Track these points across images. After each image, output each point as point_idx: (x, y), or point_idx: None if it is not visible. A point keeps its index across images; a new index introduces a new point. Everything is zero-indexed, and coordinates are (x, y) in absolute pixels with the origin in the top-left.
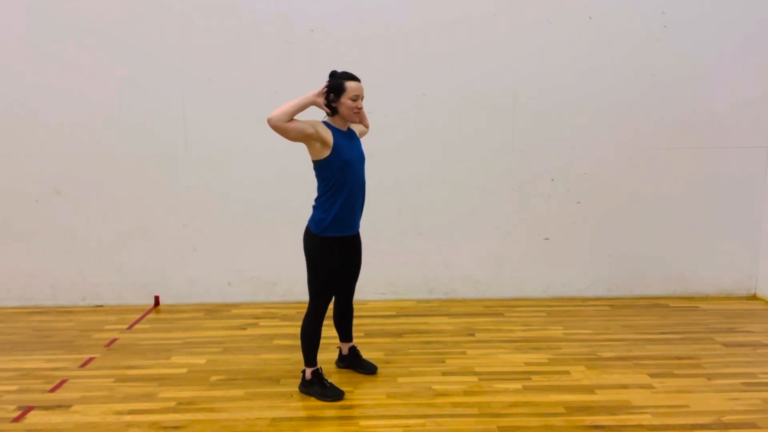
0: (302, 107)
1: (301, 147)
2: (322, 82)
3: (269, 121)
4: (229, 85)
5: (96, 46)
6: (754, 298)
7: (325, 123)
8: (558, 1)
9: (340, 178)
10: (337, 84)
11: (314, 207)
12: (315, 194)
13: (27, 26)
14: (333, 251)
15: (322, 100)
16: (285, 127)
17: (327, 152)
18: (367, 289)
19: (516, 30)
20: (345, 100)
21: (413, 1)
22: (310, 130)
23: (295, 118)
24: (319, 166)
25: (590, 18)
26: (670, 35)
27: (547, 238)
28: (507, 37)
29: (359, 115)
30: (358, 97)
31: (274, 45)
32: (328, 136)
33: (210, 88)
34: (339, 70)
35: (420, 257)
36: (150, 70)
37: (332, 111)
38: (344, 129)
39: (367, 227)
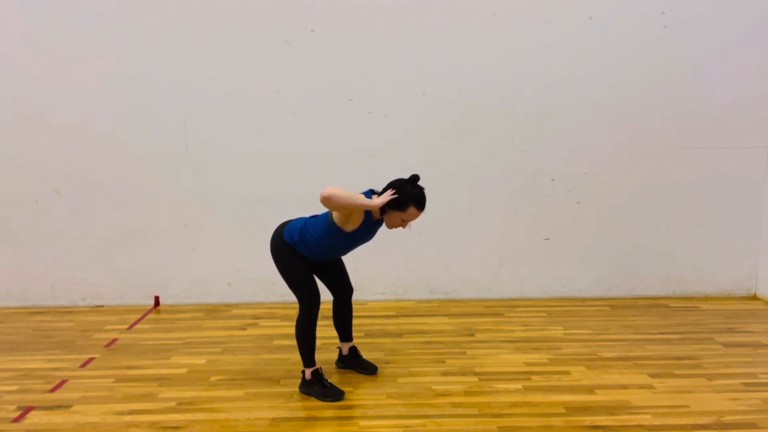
0: (359, 210)
1: (302, 150)
2: (324, 82)
3: (325, 200)
4: (229, 85)
5: (96, 45)
6: (754, 298)
7: (365, 196)
8: (558, 2)
9: (338, 243)
10: (404, 202)
11: (301, 226)
12: (315, 194)
13: (27, 26)
14: (301, 257)
15: (380, 210)
16: (333, 208)
17: (346, 229)
18: (367, 289)
19: (516, 30)
20: (396, 215)
21: (413, 2)
22: (347, 212)
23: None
24: (330, 223)
25: (590, 18)
26: (670, 35)
27: (547, 238)
28: (507, 37)
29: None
30: (407, 223)
31: (274, 45)
32: (357, 223)
33: (210, 88)
34: (418, 174)
35: (420, 257)
36: (150, 70)
37: (381, 210)
38: (376, 218)
39: None
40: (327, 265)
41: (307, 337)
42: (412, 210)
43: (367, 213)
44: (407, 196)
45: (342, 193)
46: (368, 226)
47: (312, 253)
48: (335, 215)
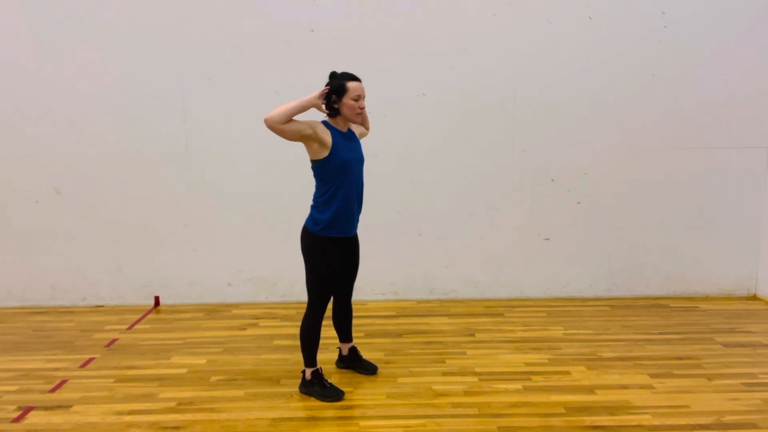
0: (302, 109)
1: (303, 146)
2: (323, 82)
3: (266, 122)
4: (229, 85)
5: (96, 45)
6: (754, 298)
7: (324, 123)
8: (558, 1)
9: (338, 179)
10: (339, 84)
11: (312, 207)
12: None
13: (27, 26)
14: (331, 251)
15: (322, 102)
16: (281, 129)
17: (325, 153)
18: (367, 289)
19: (516, 30)
20: (347, 101)
21: (413, 1)
22: (308, 131)
23: (294, 119)
24: (317, 167)
25: (590, 18)
26: (670, 35)
27: (547, 238)
28: (507, 37)
29: (361, 116)
30: (360, 97)
31: (274, 45)
32: (327, 137)
33: (210, 88)
34: (339, 70)
35: (420, 257)
36: (150, 70)
37: (333, 112)
38: (344, 130)
39: (368, 227)
40: (346, 265)
41: (312, 337)
42: (351, 84)
43: (330, 127)
44: (337, 78)
45: (279, 108)
46: (341, 137)
47: (334, 221)
48: (310, 152)
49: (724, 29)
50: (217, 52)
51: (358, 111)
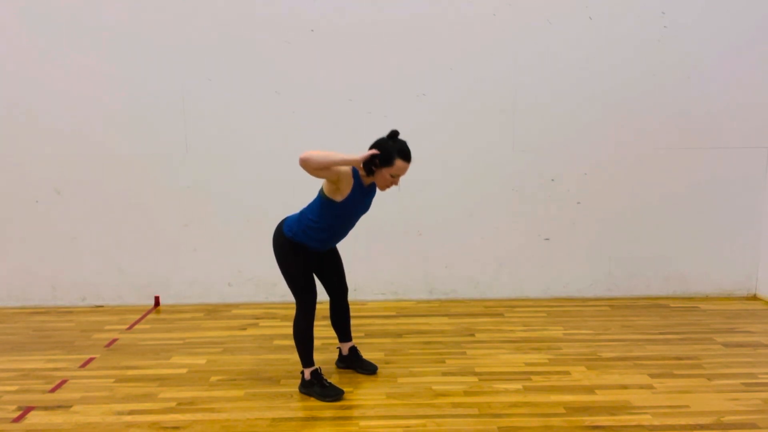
0: (341, 165)
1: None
2: (324, 81)
3: (301, 161)
4: (229, 85)
5: (96, 45)
6: (754, 298)
7: (354, 170)
8: (558, 2)
9: (336, 221)
10: (388, 156)
11: (298, 218)
12: (313, 196)
13: (27, 26)
14: (304, 254)
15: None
16: (312, 171)
17: (337, 198)
18: (367, 289)
19: (516, 30)
20: (385, 173)
21: (413, 2)
22: (334, 178)
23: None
24: (324, 199)
25: (590, 18)
26: (670, 35)
27: (547, 238)
28: (507, 37)
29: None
30: (398, 177)
31: (274, 45)
32: (347, 189)
33: (210, 88)
34: (397, 129)
35: (420, 257)
36: (150, 70)
37: (368, 171)
38: (366, 184)
39: (368, 227)
40: (327, 264)
41: (304, 337)
42: (399, 163)
43: (357, 178)
44: (391, 150)
45: (319, 153)
46: (360, 191)
47: (312, 239)
48: (325, 187)
49: (724, 29)
50: (217, 52)
51: (389, 186)
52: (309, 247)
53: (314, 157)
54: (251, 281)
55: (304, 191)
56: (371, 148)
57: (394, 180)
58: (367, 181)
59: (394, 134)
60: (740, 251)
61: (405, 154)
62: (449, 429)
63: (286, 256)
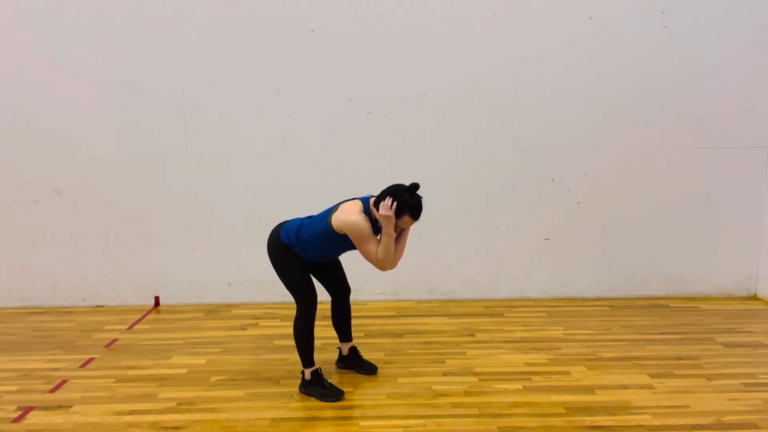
0: (392, 237)
1: (303, 150)
2: (324, 81)
3: (389, 269)
4: (229, 85)
5: (96, 45)
6: (754, 298)
7: (365, 206)
8: (558, 2)
9: (337, 245)
10: (402, 209)
11: (299, 225)
12: (315, 194)
13: (27, 26)
14: (298, 258)
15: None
16: (395, 262)
17: (341, 233)
18: (367, 289)
19: (516, 30)
20: (389, 220)
21: (413, 2)
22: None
23: (374, 236)
24: (330, 230)
25: (590, 18)
26: (671, 36)
27: (547, 239)
28: (507, 37)
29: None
30: (400, 228)
31: (274, 45)
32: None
33: (210, 88)
34: (418, 183)
35: (420, 257)
36: (150, 71)
37: (377, 207)
38: (373, 219)
39: None
40: (324, 266)
41: (305, 337)
42: (406, 218)
43: (370, 218)
44: (404, 205)
45: (384, 252)
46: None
47: (308, 253)
48: (335, 224)
49: (724, 29)
50: (217, 52)
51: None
52: (303, 258)
53: (391, 261)
54: (251, 281)
55: (304, 191)
56: (387, 192)
57: (397, 228)
58: (374, 215)
59: (414, 188)
60: (740, 251)
61: (416, 213)
62: (449, 429)
63: (282, 260)
